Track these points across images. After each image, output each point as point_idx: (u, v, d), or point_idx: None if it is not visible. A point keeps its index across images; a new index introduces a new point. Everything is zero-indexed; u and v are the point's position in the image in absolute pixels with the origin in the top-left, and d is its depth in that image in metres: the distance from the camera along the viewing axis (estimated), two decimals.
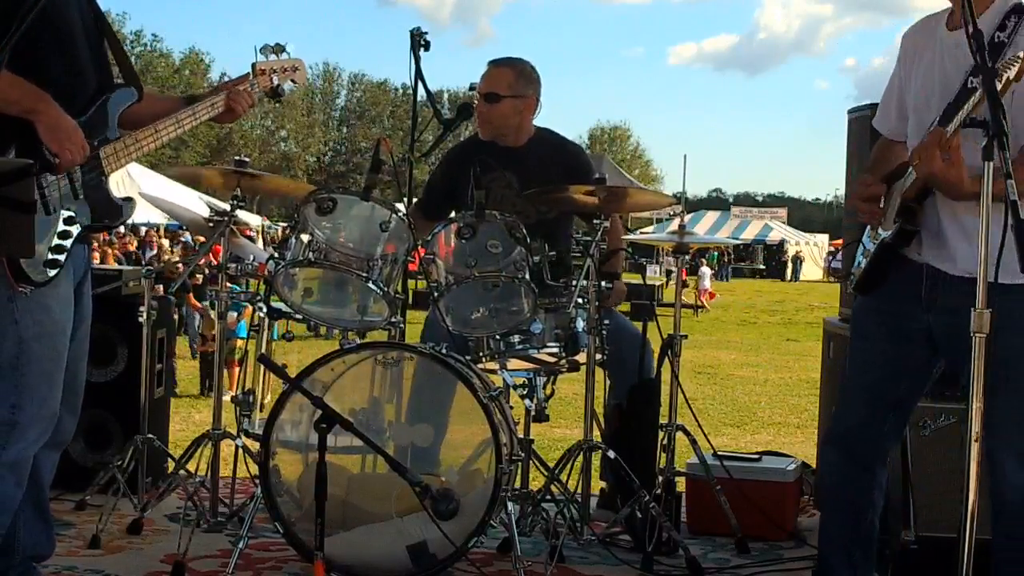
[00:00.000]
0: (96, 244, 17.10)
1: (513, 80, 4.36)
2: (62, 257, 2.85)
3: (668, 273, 26.14)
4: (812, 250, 46.38)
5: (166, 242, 19.26)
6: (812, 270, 44.13)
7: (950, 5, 2.99)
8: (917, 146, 2.92)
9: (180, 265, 10.84)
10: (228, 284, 4.04)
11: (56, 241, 2.84)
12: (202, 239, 5.83)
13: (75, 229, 2.89)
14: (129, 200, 3.06)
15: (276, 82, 3.58)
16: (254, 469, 3.77)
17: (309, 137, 59.16)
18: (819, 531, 3.37)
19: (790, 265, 43.95)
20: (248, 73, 3.51)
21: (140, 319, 4.18)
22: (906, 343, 3.04)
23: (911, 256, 3.02)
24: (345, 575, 3.45)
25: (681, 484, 4.33)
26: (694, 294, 21.89)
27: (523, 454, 3.80)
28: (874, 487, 3.15)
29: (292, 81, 3.63)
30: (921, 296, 2.99)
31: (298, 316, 3.81)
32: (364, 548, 3.48)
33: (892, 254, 3.03)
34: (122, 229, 21.52)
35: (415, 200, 4.34)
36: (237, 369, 8.27)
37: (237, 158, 4.02)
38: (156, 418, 4.45)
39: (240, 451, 4.09)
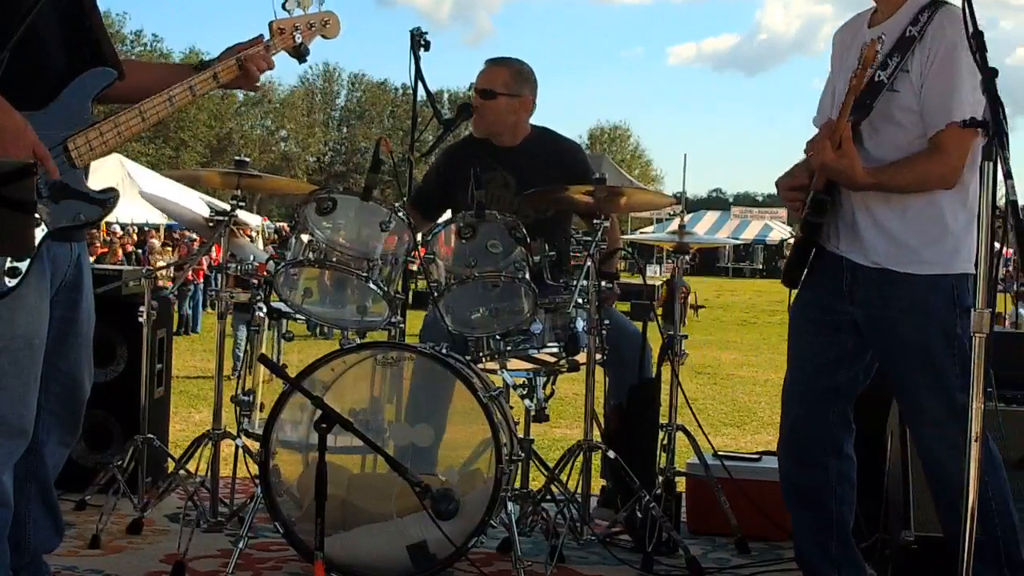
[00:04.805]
0: (97, 244, 17.12)
1: (509, 79, 4.36)
2: (23, 265, 2.61)
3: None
4: None
5: (155, 242, 18.88)
6: None
7: (873, 4, 3.05)
8: (812, 138, 2.98)
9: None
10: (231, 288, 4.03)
11: None
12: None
13: (40, 232, 2.66)
14: (110, 191, 2.83)
15: (299, 40, 3.13)
16: (254, 469, 3.77)
17: (309, 137, 59.19)
18: (793, 535, 3.33)
19: None
20: (259, 36, 3.08)
21: (140, 319, 4.18)
22: (835, 332, 3.05)
23: (830, 249, 3.04)
24: (345, 575, 3.45)
25: (681, 484, 4.33)
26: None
27: (523, 454, 3.80)
28: (829, 480, 3.13)
29: (323, 36, 3.18)
30: (843, 288, 3.01)
31: (298, 316, 3.81)
32: (364, 548, 3.48)
33: (811, 246, 3.06)
34: (119, 230, 21.49)
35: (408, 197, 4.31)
36: None
37: (237, 158, 4.02)
38: (156, 418, 4.45)
39: (240, 451, 4.09)
